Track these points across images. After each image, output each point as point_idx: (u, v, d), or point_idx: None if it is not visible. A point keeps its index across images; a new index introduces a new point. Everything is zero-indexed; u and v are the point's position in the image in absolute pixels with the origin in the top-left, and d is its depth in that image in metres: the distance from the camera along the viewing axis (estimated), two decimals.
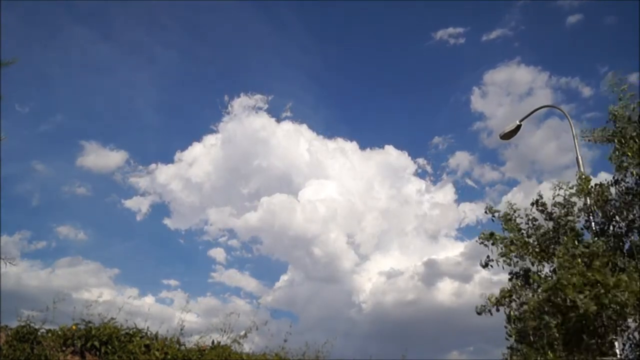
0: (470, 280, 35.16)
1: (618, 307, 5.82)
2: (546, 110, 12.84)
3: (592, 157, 34.89)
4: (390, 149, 39.30)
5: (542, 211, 7.85)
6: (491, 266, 7.75)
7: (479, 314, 7.52)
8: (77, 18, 43.53)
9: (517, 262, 7.57)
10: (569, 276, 6.15)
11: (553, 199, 7.79)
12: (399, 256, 36.88)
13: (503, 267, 7.63)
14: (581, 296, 5.95)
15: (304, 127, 38.90)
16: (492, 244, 7.59)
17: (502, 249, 7.54)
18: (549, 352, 6.43)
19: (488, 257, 7.68)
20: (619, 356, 6.62)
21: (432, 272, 36.26)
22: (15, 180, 35.08)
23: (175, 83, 47.16)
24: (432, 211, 38.26)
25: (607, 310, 5.89)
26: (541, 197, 7.98)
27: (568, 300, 6.16)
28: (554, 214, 7.70)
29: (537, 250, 7.45)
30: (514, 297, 7.41)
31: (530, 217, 7.85)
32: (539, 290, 6.91)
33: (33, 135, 38.24)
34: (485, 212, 7.96)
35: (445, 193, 38.77)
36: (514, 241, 7.50)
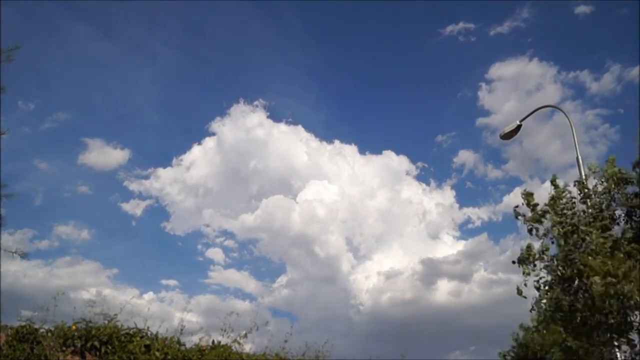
0: (469, 280, 35.23)
1: (624, 298, 5.84)
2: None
3: (597, 154, 34.72)
4: (390, 153, 39.44)
5: (580, 191, 7.80)
6: (518, 217, 7.89)
7: (514, 262, 7.68)
8: (78, 16, 43.61)
9: (542, 234, 7.65)
10: (589, 258, 6.18)
11: (592, 188, 7.80)
12: (398, 256, 36.92)
13: (530, 233, 7.74)
14: (596, 279, 6.01)
15: (304, 129, 39.01)
16: (530, 209, 7.77)
17: (536, 214, 7.67)
18: (547, 334, 6.52)
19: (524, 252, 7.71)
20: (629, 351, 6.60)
21: (431, 272, 36.32)
22: (17, 179, 35.08)
23: (176, 82, 47.30)
24: (431, 213, 38.29)
25: (612, 298, 5.91)
26: (587, 178, 7.98)
27: (579, 280, 6.24)
28: (593, 199, 7.66)
29: (562, 229, 7.44)
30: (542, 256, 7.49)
31: (570, 199, 7.83)
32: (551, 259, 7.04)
33: (35, 133, 38.24)
34: (516, 216, 8.05)
35: (445, 196, 38.83)
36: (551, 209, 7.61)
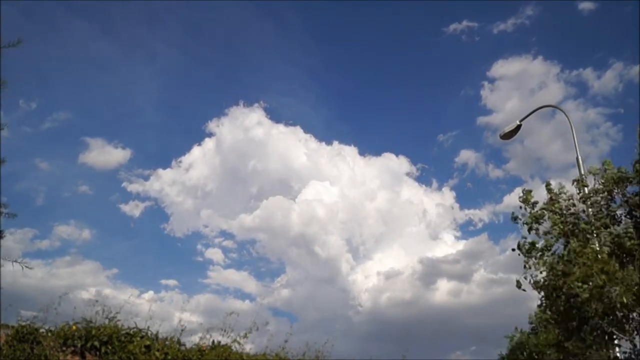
0: (469, 280, 35.24)
1: (610, 300, 5.86)
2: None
3: (599, 153, 34.71)
4: (390, 155, 39.44)
5: (579, 192, 7.80)
6: (517, 221, 7.97)
7: (514, 250, 7.76)
8: (78, 15, 43.60)
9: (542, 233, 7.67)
10: (572, 266, 6.21)
11: (591, 188, 7.83)
12: (397, 257, 36.91)
13: (529, 232, 7.80)
14: (580, 284, 6.03)
15: (303, 130, 38.95)
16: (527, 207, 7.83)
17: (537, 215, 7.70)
18: (542, 334, 6.59)
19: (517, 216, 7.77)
20: (620, 351, 6.61)
21: (430, 272, 36.33)
22: (18, 179, 35.04)
23: (176, 82, 47.22)
24: (431, 213, 38.25)
25: (598, 302, 5.93)
26: (584, 177, 8.00)
27: (567, 287, 6.27)
28: (591, 199, 7.66)
29: (563, 229, 7.46)
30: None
31: (570, 200, 7.83)
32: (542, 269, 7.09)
33: (36, 132, 38.18)
34: (520, 205, 8.06)
35: (445, 197, 38.81)
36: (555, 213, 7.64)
